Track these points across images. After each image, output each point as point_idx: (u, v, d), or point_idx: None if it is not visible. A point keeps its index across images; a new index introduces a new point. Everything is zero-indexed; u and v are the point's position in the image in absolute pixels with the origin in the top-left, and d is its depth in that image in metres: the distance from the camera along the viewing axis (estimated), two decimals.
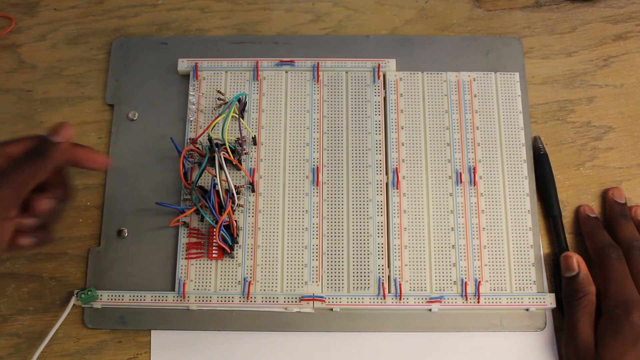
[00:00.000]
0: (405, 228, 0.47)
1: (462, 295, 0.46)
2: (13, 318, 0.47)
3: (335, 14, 0.55)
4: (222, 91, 0.51)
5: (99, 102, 0.52)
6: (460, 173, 0.49)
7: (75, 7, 0.56)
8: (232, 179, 0.48)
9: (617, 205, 0.49)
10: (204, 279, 0.46)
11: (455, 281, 0.46)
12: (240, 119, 0.48)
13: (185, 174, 0.47)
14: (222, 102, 0.50)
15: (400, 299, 0.46)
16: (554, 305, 0.46)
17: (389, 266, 0.47)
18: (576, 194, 0.50)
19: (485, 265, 0.47)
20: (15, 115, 0.52)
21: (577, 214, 0.49)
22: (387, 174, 0.49)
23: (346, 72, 0.51)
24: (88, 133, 0.51)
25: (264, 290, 0.46)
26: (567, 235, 0.49)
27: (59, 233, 0.49)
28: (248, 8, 0.55)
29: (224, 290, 0.46)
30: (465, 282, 0.46)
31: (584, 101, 0.52)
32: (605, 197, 0.49)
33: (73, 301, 0.46)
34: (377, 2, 0.55)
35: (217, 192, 0.45)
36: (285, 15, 0.55)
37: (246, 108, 0.50)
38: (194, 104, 0.50)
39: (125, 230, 0.48)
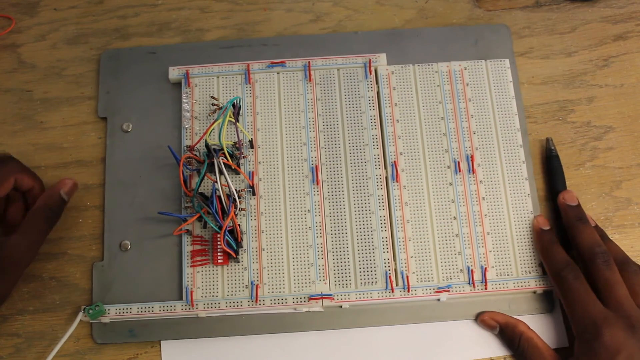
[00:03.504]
0: (408, 220, 0.48)
1: (469, 283, 0.46)
2: (13, 318, 0.47)
3: (335, 14, 0.55)
4: (215, 96, 0.50)
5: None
6: (459, 162, 0.49)
7: (75, 7, 0.55)
8: (232, 183, 0.48)
9: (570, 209, 0.47)
10: (211, 286, 0.46)
11: (461, 269, 0.46)
12: (237, 123, 0.48)
13: (184, 182, 0.46)
14: (216, 107, 0.50)
15: (408, 291, 0.46)
16: None
17: (394, 259, 0.47)
18: (576, 194, 0.49)
19: (490, 251, 0.47)
20: (15, 115, 0.52)
21: (532, 227, 0.48)
22: (385, 167, 0.49)
23: (338, 70, 0.52)
24: (88, 133, 0.51)
25: (272, 292, 0.46)
26: None
27: (59, 233, 0.48)
28: (248, 8, 0.55)
29: (231, 295, 0.46)
30: (472, 270, 0.46)
31: (584, 101, 0.52)
32: (558, 203, 0.48)
33: (80, 317, 0.46)
34: (377, 2, 0.56)
35: (219, 197, 0.45)
36: (285, 15, 0.55)
37: (241, 112, 0.50)
38: (188, 111, 0.50)
39: (128, 243, 0.48)
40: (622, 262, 0.44)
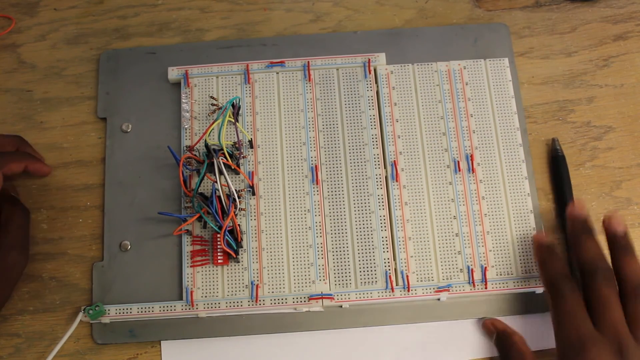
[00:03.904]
0: (407, 220, 0.47)
1: (469, 282, 0.46)
2: (13, 318, 0.47)
3: (335, 14, 0.55)
4: (215, 96, 0.50)
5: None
6: (458, 161, 0.49)
7: (75, 7, 0.56)
8: (232, 183, 0.48)
9: (577, 220, 0.44)
10: (211, 286, 0.46)
11: (461, 269, 0.46)
12: (236, 123, 0.48)
13: (184, 182, 0.46)
14: (215, 107, 0.50)
15: (408, 290, 0.46)
16: None
17: (394, 259, 0.47)
18: (576, 194, 0.49)
19: (490, 250, 0.47)
20: (15, 115, 0.52)
21: (532, 240, 0.46)
22: (385, 167, 0.49)
23: (337, 69, 0.52)
24: (88, 133, 0.51)
25: (272, 292, 0.46)
26: None
27: (59, 233, 0.49)
28: (248, 8, 0.55)
29: (232, 295, 0.46)
30: (472, 269, 0.46)
31: (584, 101, 0.52)
32: (566, 214, 0.45)
33: (80, 317, 0.46)
34: (377, 2, 0.56)
35: (219, 197, 0.45)
36: (285, 15, 0.55)
37: (240, 112, 0.50)
38: (187, 112, 0.50)
39: (128, 243, 0.48)
40: (637, 286, 0.40)
